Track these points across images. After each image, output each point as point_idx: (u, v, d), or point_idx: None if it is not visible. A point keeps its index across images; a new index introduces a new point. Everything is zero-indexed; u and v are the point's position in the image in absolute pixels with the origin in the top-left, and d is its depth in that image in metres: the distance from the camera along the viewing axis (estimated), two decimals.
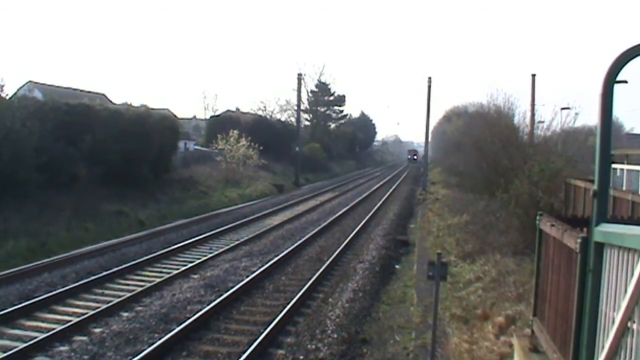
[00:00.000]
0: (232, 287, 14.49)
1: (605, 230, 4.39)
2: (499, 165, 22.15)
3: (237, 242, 21.26)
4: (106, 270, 16.11)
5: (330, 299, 14.19)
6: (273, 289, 15.15)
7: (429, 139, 56.66)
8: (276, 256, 18.50)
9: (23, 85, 44.70)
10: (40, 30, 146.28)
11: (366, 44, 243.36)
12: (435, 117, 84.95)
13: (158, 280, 15.43)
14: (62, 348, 10.41)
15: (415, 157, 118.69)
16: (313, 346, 10.88)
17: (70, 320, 11.76)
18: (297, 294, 14.00)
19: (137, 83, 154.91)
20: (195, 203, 31.58)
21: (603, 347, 4.13)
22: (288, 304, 13.11)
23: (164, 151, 33.50)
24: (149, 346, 10.25)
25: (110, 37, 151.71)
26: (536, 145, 22.80)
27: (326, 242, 21.90)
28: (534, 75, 37.41)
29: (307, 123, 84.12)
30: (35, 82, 46.78)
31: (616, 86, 4.44)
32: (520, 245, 15.72)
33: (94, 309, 12.61)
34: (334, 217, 28.64)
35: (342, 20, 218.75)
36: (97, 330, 11.41)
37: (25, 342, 10.43)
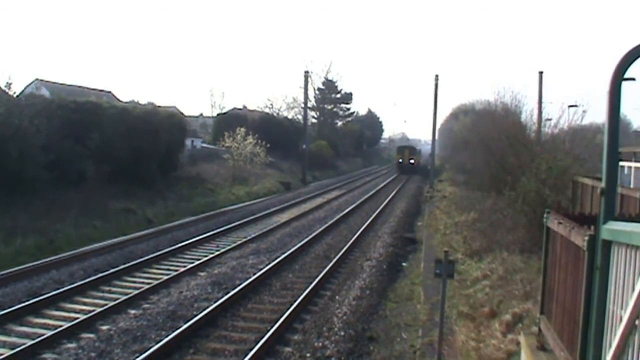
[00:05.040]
0: (239, 285, 14.51)
1: (612, 228, 4.38)
2: (506, 162, 22.10)
3: (244, 240, 21.29)
4: (113, 268, 16.18)
5: (337, 297, 14.20)
6: (280, 286, 15.17)
7: (436, 137, 56.48)
8: (283, 254, 18.51)
9: (30, 83, 44.76)
10: (47, 29, 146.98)
11: (373, 41, 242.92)
12: (442, 115, 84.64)
13: (165, 277, 15.47)
14: (69, 345, 10.47)
15: (412, 160, 73.26)
16: (320, 344, 10.89)
17: (77, 318, 11.81)
18: (304, 291, 14.02)
19: (144, 81, 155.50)
20: (203, 201, 31.63)
21: (610, 345, 4.12)
22: (295, 301, 13.12)
23: (171, 149, 33.62)
24: (156, 343, 10.28)
25: (117, 35, 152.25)
26: (543, 143, 22.72)
27: (333, 240, 21.90)
28: (541, 73, 37.32)
29: (314, 121, 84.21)
30: (43, 80, 46.88)
31: (624, 84, 4.43)
32: (528, 243, 15.67)
33: (101, 307, 12.67)
34: (341, 214, 28.65)
35: (349, 18, 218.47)
36: (105, 327, 11.45)
37: (33, 339, 10.48)
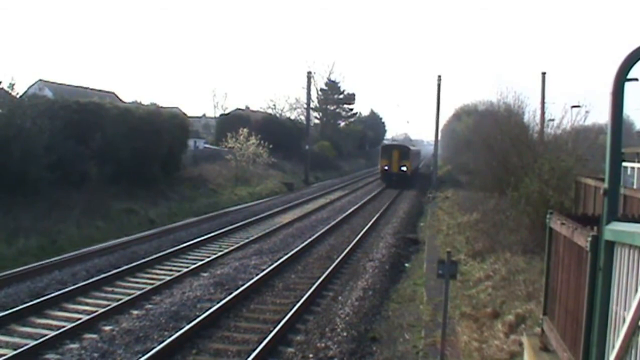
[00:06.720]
0: (242, 285, 14.52)
1: (615, 229, 4.36)
2: (509, 163, 22.07)
3: (247, 241, 21.29)
4: (116, 268, 16.19)
5: (340, 297, 14.20)
6: (283, 287, 15.17)
7: (439, 137, 56.37)
8: (286, 254, 18.51)
9: (33, 84, 45.03)
10: (50, 29, 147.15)
11: (376, 42, 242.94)
12: (445, 116, 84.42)
13: (168, 278, 15.47)
14: (72, 346, 10.48)
15: (404, 167, 49.72)
16: (323, 344, 10.88)
17: (80, 318, 11.82)
18: (307, 292, 14.02)
19: (147, 81, 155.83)
20: (205, 201, 31.63)
21: (613, 346, 4.11)
22: (298, 302, 13.13)
23: (173, 149, 33.62)
24: (159, 344, 10.29)
25: (120, 35, 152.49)
26: (546, 143, 22.69)
27: (336, 241, 21.90)
28: (544, 74, 37.37)
29: (317, 121, 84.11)
30: (46, 81, 47.12)
31: (627, 84, 4.42)
32: (531, 243, 15.66)
33: (104, 307, 12.68)
34: (344, 215, 28.64)
35: (352, 19, 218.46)
36: (107, 328, 11.46)
37: (36, 339, 10.50)
